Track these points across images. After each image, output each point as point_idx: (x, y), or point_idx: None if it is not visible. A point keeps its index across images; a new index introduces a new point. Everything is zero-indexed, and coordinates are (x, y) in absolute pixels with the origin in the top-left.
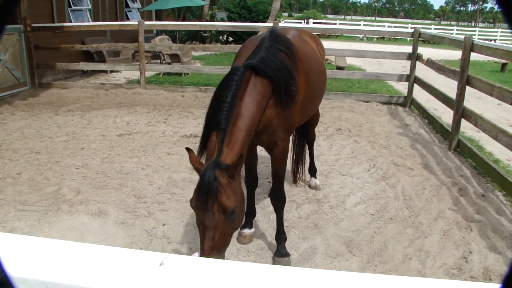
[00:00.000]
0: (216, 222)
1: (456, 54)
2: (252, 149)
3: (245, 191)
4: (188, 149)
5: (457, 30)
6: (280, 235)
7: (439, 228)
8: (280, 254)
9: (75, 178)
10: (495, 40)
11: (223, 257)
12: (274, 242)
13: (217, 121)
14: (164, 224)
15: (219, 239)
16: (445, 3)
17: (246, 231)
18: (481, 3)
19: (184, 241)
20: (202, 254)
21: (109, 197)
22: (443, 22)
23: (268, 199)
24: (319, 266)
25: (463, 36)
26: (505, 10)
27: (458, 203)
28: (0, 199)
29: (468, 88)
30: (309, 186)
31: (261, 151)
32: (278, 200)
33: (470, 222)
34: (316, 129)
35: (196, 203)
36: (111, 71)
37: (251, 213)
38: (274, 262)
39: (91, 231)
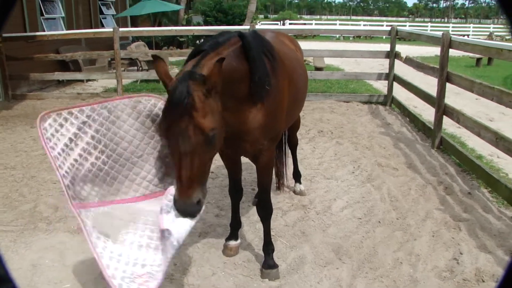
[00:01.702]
0: (194, 147)
1: (432, 51)
2: (236, 160)
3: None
4: (156, 56)
5: (431, 26)
6: (268, 246)
7: (428, 229)
8: (268, 265)
9: (52, 194)
10: (468, 35)
11: (204, 192)
12: (261, 253)
13: (197, 51)
14: None
15: (199, 168)
16: (418, 0)
17: (232, 243)
18: None
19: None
20: (181, 188)
21: None
22: (417, 19)
23: (253, 208)
24: (309, 276)
25: (440, 33)
26: (504, 6)
27: (445, 202)
28: None
29: (447, 84)
30: (294, 192)
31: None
32: (265, 210)
33: (458, 221)
34: (298, 132)
35: (166, 127)
36: (88, 80)
37: (236, 224)
38: (262, 274)
39: (70, 250)
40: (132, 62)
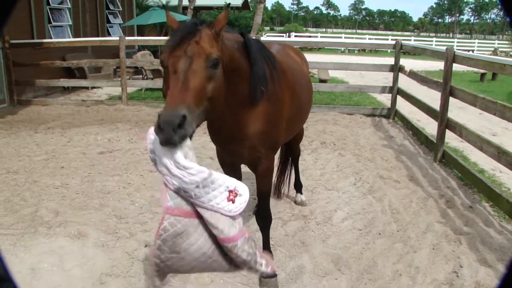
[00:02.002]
0: (194, 67)
1: (436, 65)
2: (236, 168)
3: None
4: (165, 7)
5: (436, 41)
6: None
7: (428, 242)
8: (267, 275)
9: (53, 199)
10: (473, 50)
11: (194, 121)
12: None
13: None
14: (146, 246)
15: (195, 88)
16: (424, 15)
17: None
18: (457, 15)
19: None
20: (169, 100)
21: (89, 218)
22: (422, 34)
23: (253, 217)
24: (308, 286)
25: (444, 48)
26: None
27: (446, 215)
28: None
29: (451, 98)
30: (295, 202)
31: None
32: (265, 219)
33: (459, 234)
34: (300, 143)
35: (169, 51)
36: (93, 87)
37: None
38: (261, 283)
39: (70, 255)
40: (138, 71)
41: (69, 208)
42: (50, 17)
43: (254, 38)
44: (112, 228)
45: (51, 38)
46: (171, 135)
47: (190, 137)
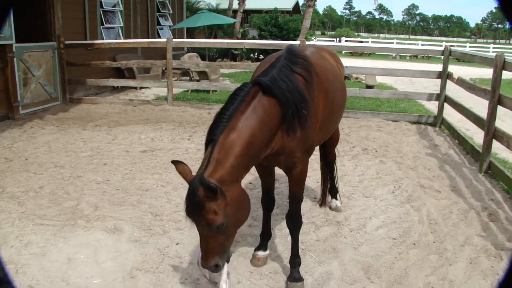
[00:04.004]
0: (207, 234)
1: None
2: (270, 170)
3: (261, 212)
4: (174, 162)
5: (493, 48)
6: (295, 259)
7: (466, 256)
8: (293, 278)
9: (94, 194)
10: None
11: (226, 257)
12: (289, 265)
13: (212, 132)
14: (177, 243)
15: (214, 247)
16: (481, 20)
17: (260, 253)
18: None
19: (196, 261)
20: (203, 257)
21: (126, 214)
22: (479, 40)
23: (284, 220)
24: None
25: (494, 54)
26: (504, 9)
27: (487, 229)
28: (20, 212)
29: (505, 108)
30: (330, 207)
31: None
32: (294, 223)
33: (500, 250)
34: (341, 148)
35: (187, 214)
36: (141, 88)
37: (266, 235)
38: (287, 287)
39: (104, 248)
40: (185, 72)
41: (108, 203)
42: (103, 19)
43: (285, 50)
44: (147, 224)
45: (103, 39)
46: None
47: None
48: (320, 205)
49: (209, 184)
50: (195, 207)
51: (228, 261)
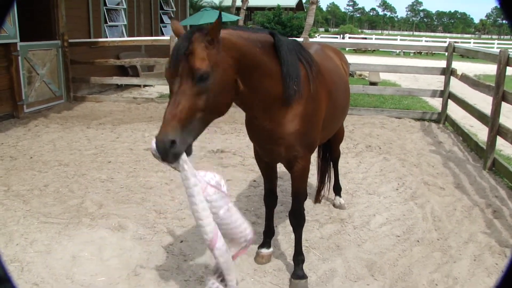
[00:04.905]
0: (181, 89)
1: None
2: (272, 167)
3: (263, 210)
4: (171, 19)
5: (498, 44)
6: (298, 256)
7: (470, 253)
8: (297, 276)
9: (99, 192)
10: None
11: (186, 141)
12: (293, 263)
13: None
14: (182, 241)
15: (183, 109)
16: (486, 16)
17: (264, 251)
18: None
19: (200, 259)
20: (161, 125)
21: (130, 212)
22: (483, 36)
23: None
24: None
25: (498, 50)
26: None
27: (491, 226)
28: (25, 210)
29: (509, 105)
30: (334, 205)
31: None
32: (298, 220)
33: (504, 247)
34: (345, 145)
35: (168, 70)
36: (145, 86)
37: (269, 232)
38: (291, 284)
39: (108, 246)
40: None
41: (112, 201)
42: (106, 17)
43: (292, 39)
44: (151, 222)
45: (107, 37)
46: (164, 156)
47: (189, 147)
48: (317, 201)
49: (211, 31)
50: (184, 46)
51: (189, 154)
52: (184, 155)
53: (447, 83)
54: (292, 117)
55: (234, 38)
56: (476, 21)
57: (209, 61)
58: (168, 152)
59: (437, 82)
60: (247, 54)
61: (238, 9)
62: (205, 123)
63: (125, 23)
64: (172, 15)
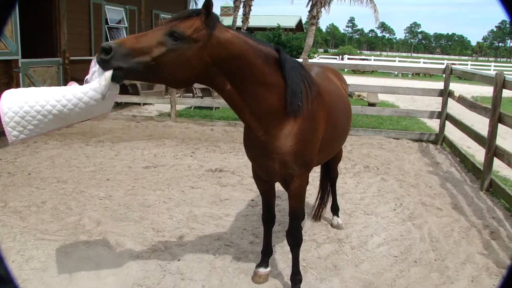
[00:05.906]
0: (157, 31)
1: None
2: (270, 186)
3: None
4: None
5: (494, 66)
6: (295, 276)
7: (467, 274)
8: None
9: (97, 209)
10: None
11: (122, 65)
12: (290, 282)
13: None
14: (179, 260)
15: (139, 39)
16: (483, 39)
17: (261, 270)
18: None
19: (198, 278)
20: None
21: (128, 230)
22: (480, 58)
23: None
24: None
25: (494, 72)
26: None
27: (489, 247)
28: (22, 226)
29: (505, 126)
30: (331, 225)
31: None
32: (295, 239)
33: (502, 268)
34: (343, 166)
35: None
36: (144, 104)
37: (267, 251)
38: None
39: (105, 263)
40: (188, 89)
41: (110, 218)
42: (108, 35)
43: (296, 60)
44: (149, 240)
45: None
46: (98, 54)
47: (120, 75)
48: (316, 220)
49: (207, 16)
50: (190, 12)
51: (117, 81)
52: (109, 72)
53: (444, 104)
54: (288, 132)
55: (235, 39)
56: (473, 43)
57: (190, 32)
58: (102, 54)
59: (435, 103)
60: (240, 59)
61: (239, 29)
62: (147, 75)
63: None
64: None
